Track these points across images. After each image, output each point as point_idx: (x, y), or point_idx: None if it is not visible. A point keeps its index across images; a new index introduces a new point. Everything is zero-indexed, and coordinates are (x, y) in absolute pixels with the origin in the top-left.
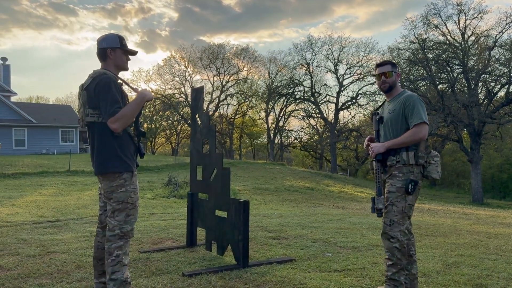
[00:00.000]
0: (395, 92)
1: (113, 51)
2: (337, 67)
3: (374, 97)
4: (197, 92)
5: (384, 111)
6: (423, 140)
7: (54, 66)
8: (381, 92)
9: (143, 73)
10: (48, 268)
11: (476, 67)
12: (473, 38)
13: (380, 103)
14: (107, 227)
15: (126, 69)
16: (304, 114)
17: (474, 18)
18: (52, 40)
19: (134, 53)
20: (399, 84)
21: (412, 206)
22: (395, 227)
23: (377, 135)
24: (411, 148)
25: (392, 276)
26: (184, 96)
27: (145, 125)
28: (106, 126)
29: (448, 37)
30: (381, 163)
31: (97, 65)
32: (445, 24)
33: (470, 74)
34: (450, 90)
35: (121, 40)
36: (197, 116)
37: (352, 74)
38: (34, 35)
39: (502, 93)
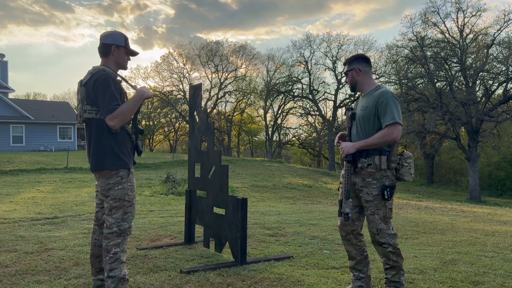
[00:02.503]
0: (367, 88)
1: (118, 48)
2: (335, 65)
3: None
4: (195, 89)
5: (357, 107)
6: (396, 141)
7: (51, 63)
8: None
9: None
10: (46, 265)
11: (474, 65)
12: (471, 36)
13: None
14: (104, 224)
15: (125, 68)
16: (303, 112)
17: (473, 16)
18: (48, 36)
19: (135, 54)
20: (374, 78)
21: (391, 209)
22: (383, 234)
23: (349, 132)
24: (384, 151)
25: (392, 279)
26: (182, 93)
27: (143, 122)
28: (104, 122)
29: (447, 35)
30: (351, 164)
31: (94, 61)
32: (444, 22)
33: (468, 72)
34: (448, 88)
35: (126, 39)
36: (195, 113)
37: None
38: (30, 31)
39: (500, 91)
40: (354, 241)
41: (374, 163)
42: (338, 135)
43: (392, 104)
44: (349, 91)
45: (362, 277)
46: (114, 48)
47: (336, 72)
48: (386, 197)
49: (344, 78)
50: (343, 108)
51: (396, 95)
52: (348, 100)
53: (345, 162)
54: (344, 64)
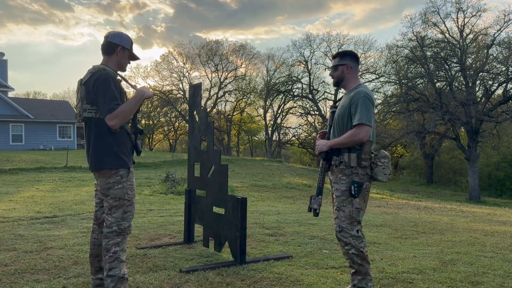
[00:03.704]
0: (349, 86)
1: (123, 50)
2: None
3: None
4: (195, 89)
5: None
6: (363, 142)
7: (50, 62)
8: (379, 90)
9: (141, 69)
10: (45, 264)
11: (474, 65)
12: (471, 36)
13: (379, 101)
14: (104, 223)
15: (124, 70)
16: (302, 111)
17: (473, 16)
18: (47, 35)
19: (137, 58)
20: (359, 76)
21: (360, 210)
22: (345, 233)
23: (329, 131)
24: (354, 149)
25: (358, 285)
26: (182, 93)
27: (143, 121)
28: (103, 122)
29: (447, 35)
30: (325, 162)
31: (93, 60)
32: (444, 22)
33: (468, 72)
34: (448, 88)
35: (131, 43)
36: (195, 112)
37: None
38: (29, 30)
39: (499, 91)
40: None
41: (344, 160)
42: (319, 133)
43: (363, 105)
44: None
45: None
46: (120, 49)
47: None
48: (352, 192)
49: (330, 71)
50: None
51: (370, 95)
52: None
53: (321, 160)
54: (335, 56)
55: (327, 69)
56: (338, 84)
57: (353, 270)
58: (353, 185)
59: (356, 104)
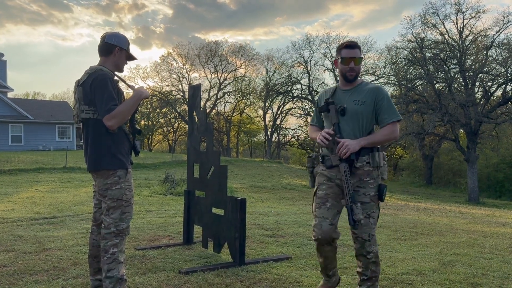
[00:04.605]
0: (356, 81)
1: (120, 51)
2: (334, 66)
3: None
4: (195, 90)
5: (342, 101)
6: (397, 139)
7: (49, 62)
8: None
9: (140, 70)
10: (44, 264)
11: (473, 67)
12: (470, 37)
13: None
14: (102, 224)
15: (121, 71)
16: (302, 112)
17: (472, 17)
18: (46, 36)
19: (134, 58)
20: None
21: None
22: (374, 241)
23: (338, 129)
24: (380, 148)
25: None
26: (181, 94)
27: (142, 122)
28: (101, 123)
29: (446, 36)
30: (348, 164)
31: (92, 61)
32: (443, 24)
33: (467, 74)
34: (447, 89)
35: (128, 44)
36: (194, 113)
37: None
38: (28, 30)
39: (499, 92)
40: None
41: (375, 161)
42: (325, 132)
43: (391, 101)
44: None
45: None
46: (118, 50)
47: (335, 73)
48: (383, 197)
49: (351, 63)
50: None
51: None
52: None
53: (342, 163)
54: (355, 47)
55: (326, 70)
56: (357, 78)
57: (364, 277)
58: (384, 189)
59: (387, 100)
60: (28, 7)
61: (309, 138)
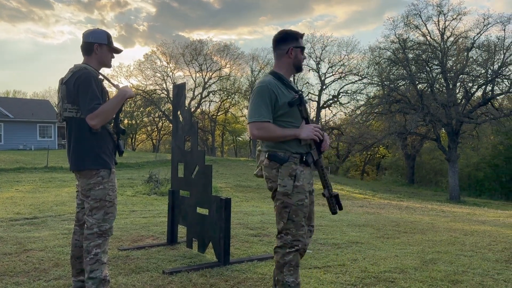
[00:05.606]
0: None
1: (100, 47)
2: (319, 66)
3: (355, 96)
4: (179, 89)
5: (293, 94)
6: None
7: (30, 60)
8: (362, 91)
9: (123, 68)
10: (24, 266)
11: (454, 68)
12: (452, 39)
13: (361, 102)
14: (85, 225)
15: (109, 66)
16: None
17: (453, 19)
18: (27, 33)
19: (119, 51)
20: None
21: None
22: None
23: (307, 123)
24: None
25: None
26: (165, 92)
27: (126, 121)
28: (84, 121)
29: (428, 37)
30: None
31: (74, 59)
32: (425, 25)
33: (448, 74)
34: (429, 90)
35: (108, 37)
36: (179, 112)
37: (333, 73)
38: (7, 27)
39: (479, 93)
40: None
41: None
42: (315, 126)
43: None
44: (333, 92)
45: None
46: (97, 47)
47: (320, 73)
48: None
49: (304, 55)
50: (327, 108)
51: None
52: (331, 101)
53: (320, 156)
54: (302, 36)
55: (310, 70)
56: (300, 68)
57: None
58: None
59: None
60: (7, 3)
61: None
